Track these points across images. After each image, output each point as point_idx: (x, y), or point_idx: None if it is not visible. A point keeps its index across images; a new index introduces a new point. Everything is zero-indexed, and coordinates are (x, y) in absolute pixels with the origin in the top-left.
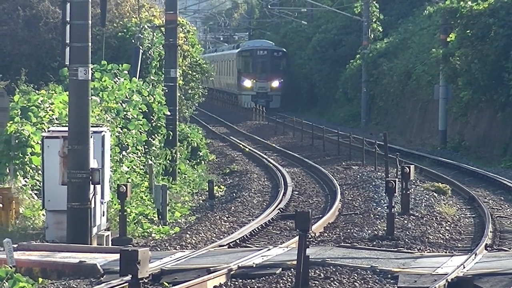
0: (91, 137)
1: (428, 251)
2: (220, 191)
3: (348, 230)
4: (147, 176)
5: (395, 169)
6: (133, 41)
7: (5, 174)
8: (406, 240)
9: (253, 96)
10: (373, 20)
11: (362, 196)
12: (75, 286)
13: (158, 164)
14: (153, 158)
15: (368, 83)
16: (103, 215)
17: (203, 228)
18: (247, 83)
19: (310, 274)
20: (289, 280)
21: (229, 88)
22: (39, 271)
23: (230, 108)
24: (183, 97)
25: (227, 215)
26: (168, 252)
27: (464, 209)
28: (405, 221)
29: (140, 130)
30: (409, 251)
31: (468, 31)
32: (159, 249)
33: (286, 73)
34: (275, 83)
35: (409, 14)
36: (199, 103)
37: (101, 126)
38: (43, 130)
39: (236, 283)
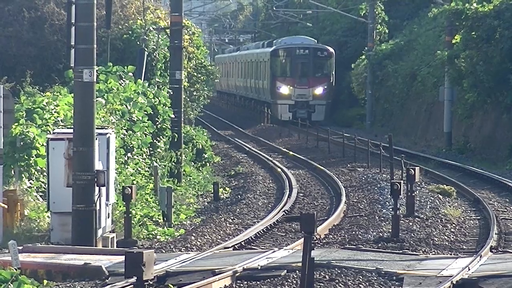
0: (96, 139)
1: (433, 253)
2: (225, 193)
3: (353, 232)
4: (152, 178)
5: (400, 171)
6: (138, 43)
7: (10, 176)
8: (411, 242)
9: (290, 106)
10: (379, 22)
11: (367, 198)
12: None
13: (163, 166)
14: (158, 160)
15: (373, 85)
16: (108, 217)
17: (208, 230)
18: (284, 89)
19: (315, 276)
20: (294, 282)
21: (258, 95)
22: (44, 273)
23: (236, 110)
24: (188, 99)
25: (232, 217)
26: (173, 254)
27: (469, 211)
28: (410, 223)
29: (145, 132)
30: (414, 253)
31: (473, 33)
32: (164, 251)
33: (333, 77)
34: (319, 90)
35: (414, 16)
36: (207, 106)
37: (106, 128)
38: (48, 132)
39: (241, 285)
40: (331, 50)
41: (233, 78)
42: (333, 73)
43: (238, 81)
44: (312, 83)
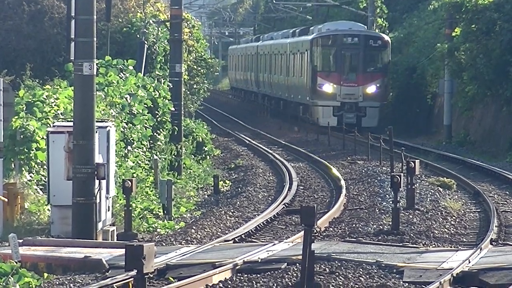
0: (96, 132)
1: (433, 245)
2: (225, 186)
3: (354, 225)
4: (152, 171)
5: (400, 163)
6: (138, 36)
7: (10, 169)
8: (411, 234)
9: (335, 108)
10: (378, 15)
11: (367, 191)
12: (81, 281)
13: (163, 159)
14: (158, 153)
15: None
16: (108, 210)
17: (208, 223)
18: (327, 87)
19: (316, 269)
20: (294, 275)
21: (292, 95)
22: (44, 266)
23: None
24: (188, 92)
25: (232, 210)
26: (173, 247)
27: (469, 204)
28: (410, 216)
29: (145, 125)
30: (415, 245)
31: (473, 26)
32: (164, 244)
33: (389, 73)
34: (371, 88)
35: (414, 9)
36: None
37: (106, 121)
38: (48, 125)
39: (242, 278)
40: (387, 38)
41: (254, 73)
42: (389, 67)
43: (260, 77)
44: (363, 79)
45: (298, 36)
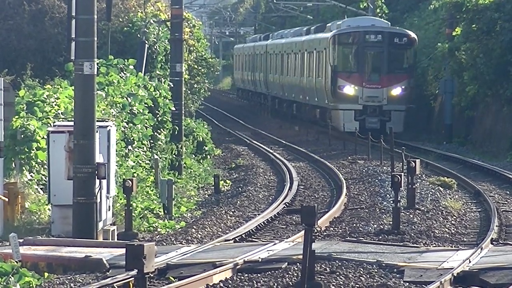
0: (97, 131)
1: (434, 245)
2: (226, 186)
3: (354, 225)
4: (153, 170)
5: (401, 163)
6: (138, 35)
7: (11, 169)
8: (412, 234)
9: (357, 112)
10: (379, 15)
11: (368, 190)
12: (81, 280)
13: (163, 159)
14: (158, 152)
15: None
16: (109, 210)
17: (209, 223)
18: (349, 89)
19: (316, 269)
20: (295, 274)
21: (308, 98)
22: (45, 266)
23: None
24: (189, 92)
25: (233, 210)
26: (174, 247)
27: (469, 203)
28: (411, 216)
29: (145, 125)
30: (415, 245)
31: (473, 26)
32: (165, 244)
33: (414, 74)
34: (396, 90)
35: (414, 9)
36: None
37: (107, 121)
38: (48, 124)
39: (242, 277)
40: (413, 35)
41: (263, 73)
42: (415, 67)
43: (270, 77)
44: (387, 81)
45: (314, 33)
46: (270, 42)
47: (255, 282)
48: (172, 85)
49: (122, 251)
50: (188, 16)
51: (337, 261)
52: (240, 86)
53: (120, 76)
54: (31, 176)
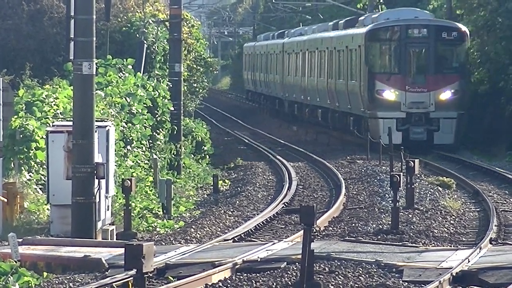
0: (96, 131)
1: (433, 245)
2: (225, 185)
3: (353, 224)
4: (152, 170)
5: (400, 163)
6: (137, 35)
7: (9, 168)
8: (411, 234)
9: (400, 120)
10: None
11: (367, 190)
12: (80, 280)
13: (162, 159)
14: (157, 152)
15: None
16: (108, 210)
17: (208, 223)
18: (389, 94)
19: (315, 268)
20: (294, 274)
21: (338, 104)
22: (44, 266)
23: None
24: (188, 92)
25: (231, 209)
26: (173, 247)
27: (468, 203)
28: (410, 215)
29: (144, 125)
30: (414, 245)
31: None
32: (163, 244)
33: (467, 74)
34: (445, 94)
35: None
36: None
37: (106, 121)
38: (47, 124)
39: (241, 277)
40: (464, 28)
41: (279, 75)
42: (468, 67)
43: (289, 79)
44: (435, 83)
45: (344, 28)
46: (287, 40)
47: (254, 281)
48: (171, 85)
49: (121, 250)
50: (187, 16)
51: (336, 261)
52: (250, 89)
53: (119, 76)
54: (30, 176)
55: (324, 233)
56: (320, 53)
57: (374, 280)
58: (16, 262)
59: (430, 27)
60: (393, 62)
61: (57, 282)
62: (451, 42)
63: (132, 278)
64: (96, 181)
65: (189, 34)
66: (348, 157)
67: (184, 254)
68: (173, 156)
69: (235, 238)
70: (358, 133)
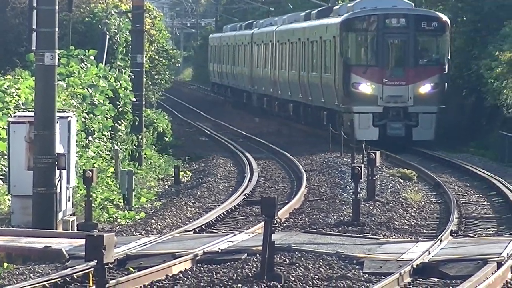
0: (57, 122)
1: (394, 237)
2: (186, 177)
3: (314, 216)
4: (113, 161)
5: (361, 155)
6: (99, 26)
7: None
8: (372, 226)
9: (376, 115)
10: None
11: (328, 182)
12: (41, 271)
13: (124, 150)
14: (119, 143)
15: None
16: (69, 200)
17: (169, 214)
18: (365, 87)
19: (276, 260)
20: (255, 265)
21: (311, 98)
22: (4, 256)
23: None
24: (150, 83)
25: (192, 201)
26: (134, 238)
27: (429, 195)
28: (371, 207)
29: (106, 116)
30: (375, 237)
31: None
32: (124, 234)
33: (448, 67)
34: (425, 88)
35: None
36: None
37: (67, 112)
38: (9, 115)
39: (202, 268)
40: (445, 18)
41: (247, 67)
42: (448, 58)
43: (258, 72)
44: (414, 76)
45: (317, 18)
46: (256, 31)
47: (214, 273)
48: (133, 76)
49: (82, 241)
50: (149, 7)
51: (296, 253)
52: (216, 81)
53: (81, 67)
54: None
55: (285, 224)
56: (292, 45)
57: (334, 271)
58: None
59: (409, 17)
60: (370, 53)
61: (17, 272)
62: (431, 33)
63: (92, 269)
64: (58, 172)
65: (152, 25)
66: (310, 149)
67: (145, 245)
68: (134, 147)
69: (196, 230)
70: (332, 129)
